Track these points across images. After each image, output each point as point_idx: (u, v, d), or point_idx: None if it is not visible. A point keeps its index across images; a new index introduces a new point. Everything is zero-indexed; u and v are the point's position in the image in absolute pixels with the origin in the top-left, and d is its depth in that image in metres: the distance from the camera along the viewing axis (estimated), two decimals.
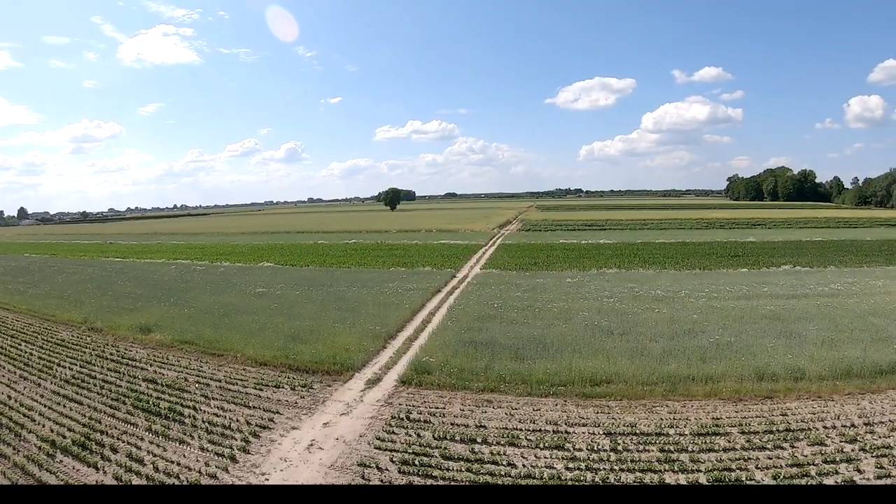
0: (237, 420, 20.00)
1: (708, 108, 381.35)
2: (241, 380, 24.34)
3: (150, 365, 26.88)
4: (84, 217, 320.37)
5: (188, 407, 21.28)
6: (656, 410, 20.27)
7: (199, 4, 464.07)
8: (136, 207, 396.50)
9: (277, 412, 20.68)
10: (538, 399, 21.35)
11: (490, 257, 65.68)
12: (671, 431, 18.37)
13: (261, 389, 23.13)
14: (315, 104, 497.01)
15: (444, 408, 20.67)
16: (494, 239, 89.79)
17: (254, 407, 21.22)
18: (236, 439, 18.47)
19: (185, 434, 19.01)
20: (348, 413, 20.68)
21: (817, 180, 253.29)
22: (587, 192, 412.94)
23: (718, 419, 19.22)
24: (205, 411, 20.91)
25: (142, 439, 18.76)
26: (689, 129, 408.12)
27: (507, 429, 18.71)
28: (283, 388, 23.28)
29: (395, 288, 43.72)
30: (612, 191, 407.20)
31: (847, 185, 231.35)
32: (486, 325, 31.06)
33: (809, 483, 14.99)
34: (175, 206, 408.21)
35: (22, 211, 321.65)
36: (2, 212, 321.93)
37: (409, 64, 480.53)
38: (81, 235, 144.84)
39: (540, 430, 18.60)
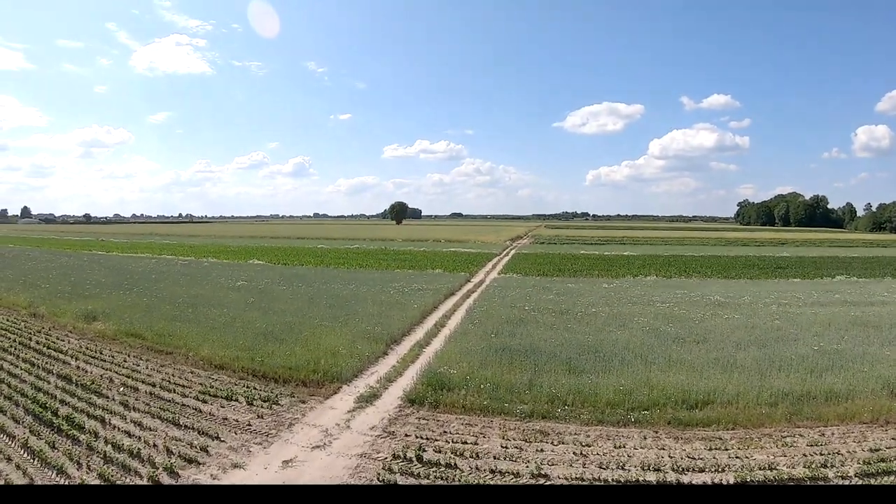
0: (154, 445, 12.93)
1: (715, 136, 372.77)
2: (183, 385, 17.30)
3: (76, 359, 20.38)
4: (87, 219, 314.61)
5: (95, 418, 14.47)
6: (790, 442, 13.55)
7: (213, 16, 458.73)
8: (142, 214, 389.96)
9: (218, 437, 13.49)
10: (615, 429, 14.24)
11: (507, 264, 58.53)
12: (830, 474, 11.78)
13: (204, 401, 16.01)
14: (324, 120, 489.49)
15: (475, 443, 13.33)
16: (508, 250, 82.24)
17: (186, 426, 14.11)
18: (141, 477, 11.44)
19: (70, 459, 12.13)
20: (325, 446, 13.29)
21: (829, 206, 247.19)
22: (594, 215, 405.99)
23: (878, 451, 13.00)
24: (115, 426, 13.94)
25: (8, 459, 12.12)
26: (696, 156, 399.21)
27: (582, 479, 11.50)
28: (236, 400, 16.15)
29: (401, 288, 36.64)
30: (618, 215, 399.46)
31: (860, 211, 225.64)
32: (520, 329, 23.90)
33: None
34: (180, 215, 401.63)
35: (25, 210, 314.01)
36: (6, 210, 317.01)
37: (419, 83, 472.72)
38: (77, 233, 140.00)
39: (637, 482, 11.46)
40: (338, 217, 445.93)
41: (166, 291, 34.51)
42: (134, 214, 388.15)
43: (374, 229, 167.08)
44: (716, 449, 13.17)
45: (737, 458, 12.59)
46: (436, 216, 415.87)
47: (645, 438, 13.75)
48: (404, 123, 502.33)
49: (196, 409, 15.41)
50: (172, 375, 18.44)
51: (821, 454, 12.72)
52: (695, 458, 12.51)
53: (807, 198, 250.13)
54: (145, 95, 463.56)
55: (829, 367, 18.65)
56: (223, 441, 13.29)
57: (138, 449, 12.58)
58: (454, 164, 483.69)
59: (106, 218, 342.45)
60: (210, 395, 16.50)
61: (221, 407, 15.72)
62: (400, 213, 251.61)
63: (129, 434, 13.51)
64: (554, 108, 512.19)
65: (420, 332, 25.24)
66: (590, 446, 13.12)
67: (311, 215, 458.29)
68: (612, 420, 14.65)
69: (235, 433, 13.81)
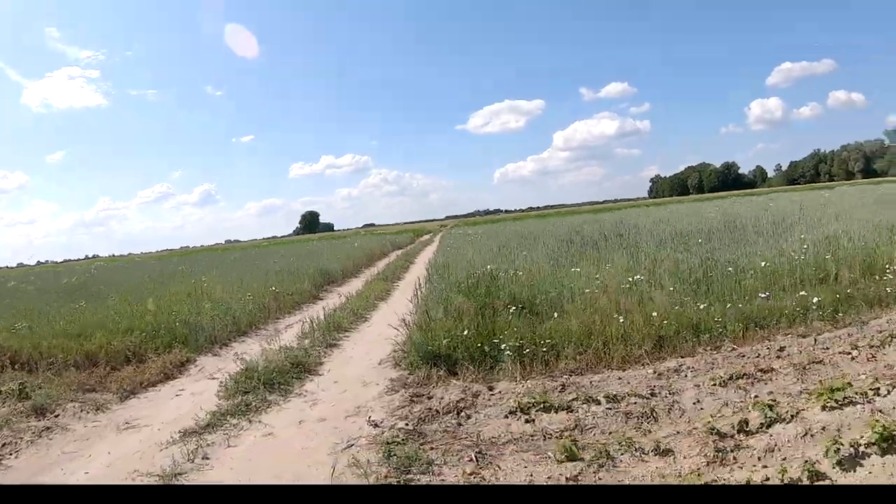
0: None
1: (616, 123, 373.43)
2: None
3: None
4: None
5: None
6: None
7: (104, 45, 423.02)
8: (47, 260, 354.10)
9: None
10: None
11: (452, 230, 47.83)
12: None
13: None
14: (226, 143, 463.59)
15: None
16: (442, 231, 70.55)
17: None
18: None
19: None
20: None
21: (740, 171, 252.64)
22: (506, 210, 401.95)
23: None
24: None
25: None
26: (599, 145, 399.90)
27: None
28: None
29: (330, 244, 25.32)
30: (530, 208, 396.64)
31: (770, 172, 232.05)
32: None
33: None
34: (87, 257, 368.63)
35: None
36: None
37: (319, 98, 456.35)
38: None
39: None
40: (250, 241, 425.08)
41: None
42: (39, 261, 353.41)
43: (288, 241, 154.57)
44: None
45: None
46: (348, 229, 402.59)
47: None
48: (307, 140, 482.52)
49: None
50: None
51: None
52: None
53: (717, 166, 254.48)
54: (41, 134, 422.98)
55: None
56: None
57: None
58: (361, 177, 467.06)
59: (8, 267, 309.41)
60: None
61: None
62: (312, 223, 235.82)
63: None
64: (456, 111, 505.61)
65: (380, 264, 14.10)
66: None
67: (223, 242, 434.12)
68: None
69: None
